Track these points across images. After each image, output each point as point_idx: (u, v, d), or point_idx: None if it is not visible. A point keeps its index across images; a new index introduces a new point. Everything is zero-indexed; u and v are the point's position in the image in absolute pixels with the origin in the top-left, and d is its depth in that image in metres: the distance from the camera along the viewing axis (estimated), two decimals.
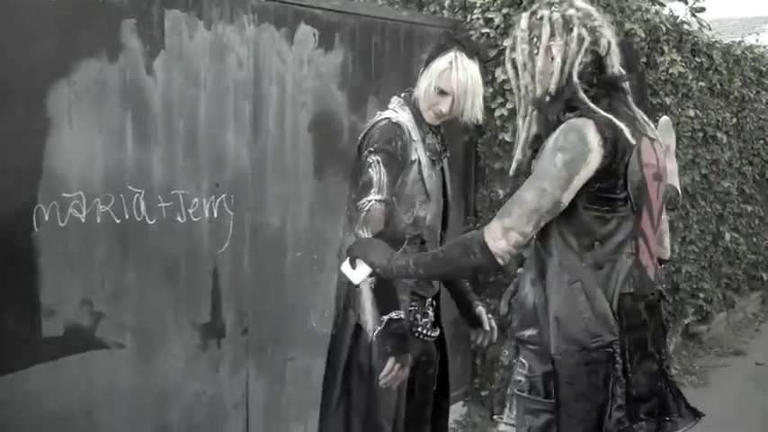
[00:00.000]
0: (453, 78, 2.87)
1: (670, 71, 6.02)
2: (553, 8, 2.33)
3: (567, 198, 2.19)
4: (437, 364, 3.12)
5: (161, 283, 3.45)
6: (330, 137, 4.17)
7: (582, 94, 2.24)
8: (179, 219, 3.49)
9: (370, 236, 2.75)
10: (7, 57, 2.91)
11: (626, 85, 2.36)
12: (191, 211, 3.54)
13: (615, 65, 2.32)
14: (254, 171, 3.81)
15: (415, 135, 2.94)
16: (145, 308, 3.38)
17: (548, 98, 2.28)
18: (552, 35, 2.29)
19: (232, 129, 3.70)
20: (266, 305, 3.89)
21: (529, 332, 2.28)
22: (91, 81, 3.13)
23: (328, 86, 4.19)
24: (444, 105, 2.90)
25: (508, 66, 2.41)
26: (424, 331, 2.99)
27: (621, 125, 2.20)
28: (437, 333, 3.04)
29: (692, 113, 6.58)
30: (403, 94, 3.03)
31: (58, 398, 3.09)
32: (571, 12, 2.31)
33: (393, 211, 2.86)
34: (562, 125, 2.20)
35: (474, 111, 2.92)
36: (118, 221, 3.25)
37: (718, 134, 7.23)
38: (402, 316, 2.80)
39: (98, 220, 3.19)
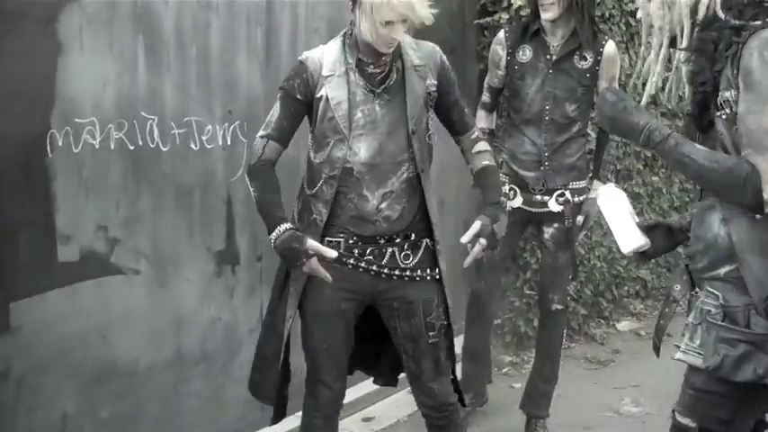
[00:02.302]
0: (394, 5, 2.66)
1: None
2: None
3: None
4: (427, 309, 2.96)
5: (175, 210, 3.46)
6: None
7: (736, 20, 2.17)
8: (192, 146, 3.49)
9: (250, 164, 2.87)
10: None
11: None
12: (204, 138, 3.54)
13: None
14: (267, 98, 3.79)
15: (330, 70, 2.82)
16: (159, 234, 3.40)
17: (699, 32, 2.22)
18: None
19: (244, 55, 3.68)
20: None
21: (725, 269, 2.22)
22: (102, 4, 3.10)
23: (341, 12, 4.13)
24: (396, 32, 2.73)
25: None
26: (363, 264, 2.88)
27: None
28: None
29: None
30: (348, 25, 2.88)
31: (74, 322, 3.13)
32: None
33: (275, 149, 2.86)
34: (754, 43, 2.10)
35: (423, 17, 2.71)
36: (132, 148, 3.25)
37: None
38: (279, 233, 2.73)
39: (112, 146, 3.18)
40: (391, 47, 2.79)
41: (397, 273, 2.92)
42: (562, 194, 3.96)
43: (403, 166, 2.87)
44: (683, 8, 2.24)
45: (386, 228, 2.88)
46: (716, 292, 2.23)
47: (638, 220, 2.53)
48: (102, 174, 3.17)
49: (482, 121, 4.11)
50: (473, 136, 3.06)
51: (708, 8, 2.22)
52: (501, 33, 4.05)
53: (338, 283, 2.85)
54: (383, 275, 2.91)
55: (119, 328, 3.28)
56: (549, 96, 3.90)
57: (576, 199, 4.00)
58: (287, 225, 2.75)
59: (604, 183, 4.13)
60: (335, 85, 2.82)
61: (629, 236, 2.50)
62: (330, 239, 2.88)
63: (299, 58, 2.89)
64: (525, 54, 3.94)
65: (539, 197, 3.99)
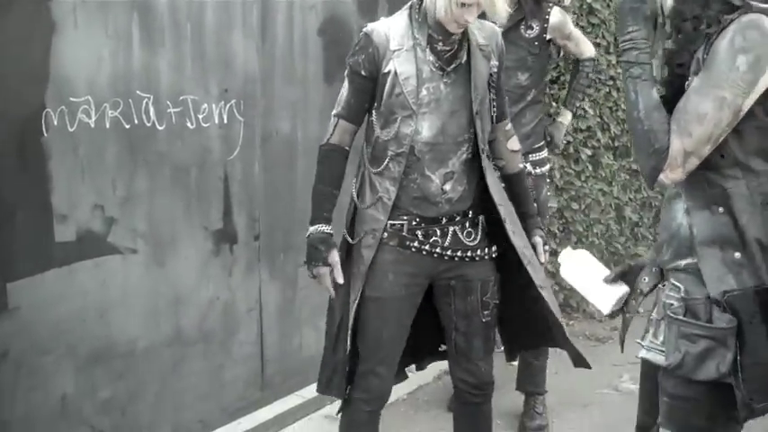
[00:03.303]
0: None
1: None
2: None
3: (747, 105, 2.01)
4: (484, 288, 2.95)
5: (172, 188, 3.45)
6: (340, 41, 4.11)
7: None
8: (188, 124, 3.47)
9: (323, 142, 2.88)
10: None
11: None
12: (200, 116, 3.52)
13: None
14: (264, 76, 3.77)
15: (398, 44, 2.78)
16: (156, 213, 3.39)
17: (676, 2, 2.11)
18: None
19: (240, 33, 3.65)
20: (277, 211, 3.89)
21: (686, 261, 2.13)
22: None
23: None
24: (470, 15, 2.70)
25: None
26: (426, 248, 2.87)
27: None
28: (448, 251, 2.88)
29: None
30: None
31: (72, 302, 3.12)
32: None
33: (347, 128, 2.86)
34: (732, 26, 2.00)
35: (499, 11, 2.73)
36: (127, 126, 3.23)
37: None
38: (315, 231, 2.83)
39: (107, 126, 3.16)
40: (462, 28, 2.76)
41: (459, 254, 2.90)
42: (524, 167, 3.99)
43: (463, 147, 2.86)
44: None
45: (448, 209, 2.88)
46: (678, 284, 2.15)
47: (607, 272, 2.42)
48: (97, 153, 3.15)
49: None
50: (507, 127, 3.06)
51: None
52: None
53: (401, 267, 2.86)
54: (446, 257, 2.90)
55: (117, 308, 3.27)
56: None
57: (538, 170, 4.04)
58: (327, 228, 2.84)
59: (574, 113, 4.25)
60: (404, 60, 2.77)
61: (604, 296, 2.39)
62: (393, 222, 2.86)
63: (365, 29, 2.82)
64: None
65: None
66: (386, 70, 2.77)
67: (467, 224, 2.93)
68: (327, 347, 2.98)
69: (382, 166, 2.84)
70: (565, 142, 5.25)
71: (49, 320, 3.05)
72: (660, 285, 2.27)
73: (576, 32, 4.16)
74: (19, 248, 2.95)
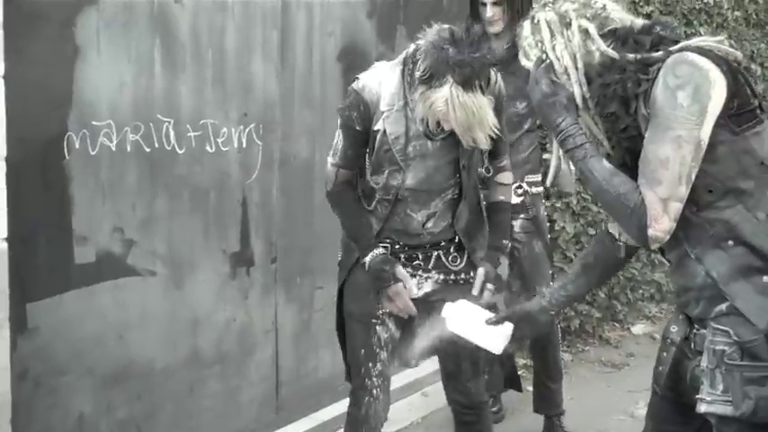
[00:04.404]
0: (452, 118, 2.63)
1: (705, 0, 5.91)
2: (547, 8, 2.19)
3: (705, 135, 1.97)
4: None
5: (191, 211, 3.48)
6: (358, 66, 4.12)
7: (634, 54, 2.06)
8: (208, 148, 3.51)
9: (328, 189, 2.93)
10: None
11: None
12: (220, 140, 3.56)
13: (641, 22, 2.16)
14: (283, 101, 3.81)
15: (388, 104, 2.78)
16: (175, 236, 3.42)
17: (598, 78, 2.11)
18: (552, 36, 2.15)
19: (260, 58, 3.69)
20: (295, 234, 3.92)
21: (722, 306, 2.06)
22: (118, 8, 3.13)
23: (356, 15, 4.16)
24: (448, 126, 2.72)
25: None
26: (409, 270, 2.94)
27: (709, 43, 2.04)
28: (413, 291, 2.92)
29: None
30: (410, 53, 2.77)
31: (91, 323, 3.15)
32: (566, 6, 2.15)
33: (347, 175, 2.90)
34: (661, 71, 2.01)
35: (479, 141, 2.69)
36: (148, 150, 3.27)
37: (753, 66, 7.10)
38: (373, 257, 2.86)
39: (128, 149, 3.21)
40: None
41: (442, 277, 2.96)
42: (519, 187, 4.07)
43: (448, 191, 2.93)
44: (567, 61, 2.13)
45: (430, 239, 2.95)
46: (724, 328, 2.05)
47: (489, 315, 2.43)
48: (118, 176, 3.19)
49: None
50: (501, 164, 3.08)
51: (598, 53, 2.10)
52: None
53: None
54: (428, 279, 2.96)
55: (135, 329, 3.30)
56: None
57: (534, 189, 4.14)
58: (381, 250, 2.88)
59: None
60: (393, 120, 2.81)
61: (491, 337, 2.41)
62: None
63: (355, 87, 2.83)
64: None
65: None
66: (376, 128, 2.82)
67: (451, 249, 2.98)
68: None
69: (371, 206, 2.93)
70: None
71: (67, 341, 3.08)
72: (694, 332, 2.17)
73: None
74: (39, 269, 2.99)
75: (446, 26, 2.69)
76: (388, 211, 2.90)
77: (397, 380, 3.99)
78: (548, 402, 4.26)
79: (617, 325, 5.90)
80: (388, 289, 2.88)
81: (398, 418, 4.36)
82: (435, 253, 2.97)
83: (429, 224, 2.93)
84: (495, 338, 2.41)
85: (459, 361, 3.04)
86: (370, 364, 2.98)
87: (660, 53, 2.04)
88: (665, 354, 2.27)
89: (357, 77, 2.86)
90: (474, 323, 2.45)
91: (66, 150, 3.01)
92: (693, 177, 2.00)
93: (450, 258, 2.99)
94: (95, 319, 3.16)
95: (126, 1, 3.15)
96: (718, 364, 2.06)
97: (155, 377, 3.40)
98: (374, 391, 2.99)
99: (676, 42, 2.09)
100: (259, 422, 3.86)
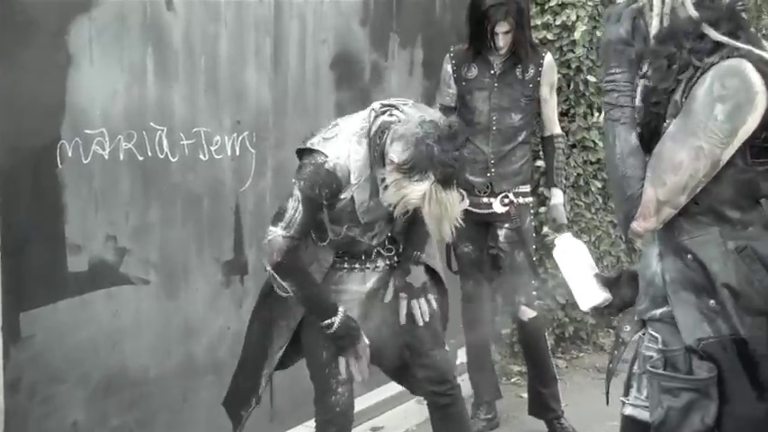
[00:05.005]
0: (426, 211, 2.73)
1: None
2: None
3: (726, 156, 1.92)
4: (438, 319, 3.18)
5: (184, 220, 3.48)
6: (351, 74, 4.16)
7: (711, 30, 1.96)
8: (201, 156, 3.51)
9: (268, 267, 2.88)
10: None
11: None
12: (213, 148, 3.56)
13: None
14: (276, 108, 3.82)
15: (357, 177, 2.84)
16: (168, 244, 3.42)
17: (656, 42, 2.02)
18: None
19: (253, 66, 3.70)
20: None
21: (662, 310, 2.06)
22: (111, 16, 3.13)
23: (349, 23, 4.17)
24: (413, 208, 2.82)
25: None
26: (356, 266, 3.08)
27: None
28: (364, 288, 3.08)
29: None
30: (381, 113, 2.85)
31: (84, 332, 3.14)
32: None
33: (299, 248, 2.91)
34: (711, 71, 1.92)
35: (444, 233, 2.81)
36: (141, 158, 3.27)
37: None
38: (336, 321, 2.92)
39: (121, 157, 3.20)
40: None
41: (384, 263, 3.12)
42: (506, 197, 4.18)
43: (387, 219, 3.01)
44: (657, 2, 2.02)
45: (375, 244, 3.09)
46: (656, 335, 2.06)
47: (597, 270, 2.37)
48: (111, 184, 3.19)
49: None
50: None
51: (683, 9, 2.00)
52: (447, 56, 4.29)
53: (335, 286, 3.04)
54: (374, 270, 3.11)
55: (128, 338, 3.29)
56: (496, 108, 4.17)
57: (521, 200, 4.24)
58: (343, 310, 2.95)
59: (563, 190, 4.37)
60: (361, 189, 2.88)
61: (587, 292, 2.33)
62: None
63: (326, 166, 2.81)
64: (471, 71, 4.20)
65: (484, 199, 4.21)
66: (343, 197, 2.87)
67: (386, 242, 3.11)
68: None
69: (324, 243, 3.00)
70: (574, 175, 5.29)
71: (61, 350, 3.07)
72: (640, 335, 2.16)
73: (555, 96, 4.37)
74: (32, 278, 2.98)
75: (428, 118, 2.75)
76: (343, 242, 2.99)
77: (393, 387, 3.98)
78: (543, 408, 4.30)
79: (611, 331, 5.89)
80: (357, 346, 2.98)
81: (394, 426, 4.37)
82: (375, 250, 3.08)
83: (374, 242, 3.05)
84: (589, 296, 2.32)
85: (416, 332, 3.11)
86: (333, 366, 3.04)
87: (725, 50, 1.95)
88: (616, 352, 2.27)
89: (321, 153, 2.84)
90: (580, 270, 2.36)
91: (58, 159, 3.01)
92: (698, 191, 1.97)
93: (385, 250, 3.11)
94: (89, 328, 3.15)
95: (119, 9, 3.15)
96: (645, 370, 2.08)
97: (149, 386, 3.39)
98: (339, 390, 3.04)
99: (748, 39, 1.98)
100: (253, 430, 3.84)
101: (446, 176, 2.68)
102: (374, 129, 2.83)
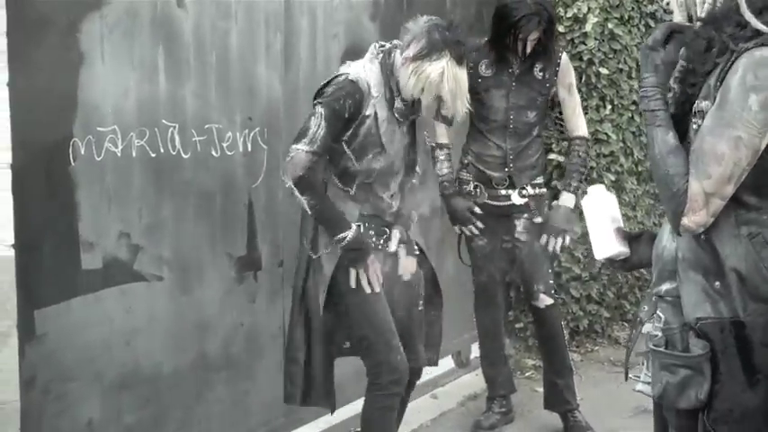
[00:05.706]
0: (444, 88, 3.09)
1: None
2: None
3: (764, 144, 1.97)
4: (421, 282, 3.46)
5: (197, 216, 3.48)
6: None
7: (753, 18, 1.99)
8: (213, 153, 3.51)
9: (289, 182, 3.13)
10: None
11: None
12: (225, 144, 3.56)
13: None
14: (287, 104, 3.81)
15: (377, 91, 3.15)
16: (182, 241, 3.42)
17: (700, 23, 2.07)
18: None
19: (264, 62, 3.70)
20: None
21: (666, 286, 2.15)
22: (122, 14, 3.13)
23: (360, 18, 4.16)
24: (430, 103, 3.17)
25: None
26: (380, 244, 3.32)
27: None
28: (393, 247, 3.34)
29: None
30: (382, 47, 3.25)
31: (98, 329, 3.15)
32: None
33: (320, 162, 3.15)
34: (743, 60, 1.96)
35: (457, 109, 3.17)
36: (153, 155, 3.27)
37: None
38: (349, 234, 3.16)
39: (133, 154, 3.21)
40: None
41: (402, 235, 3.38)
42: (524, 188, 4.25)
43: (400, 172, 3.34)
44: None
45: (392, 221, 3.37)
46: (660, 315, 2.15)
47: (621, 225, 2.41)
48: (124, 181, 3.19)
49: (443, 137, 4.33)
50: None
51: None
52: None
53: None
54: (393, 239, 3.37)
55: (142, 335, 3.30)
56: (513, 106, 4.21)
57: (538, 191, 4.31)
58: (355, 226, 3.20)
59: (574, 194, 4.37)
60: (381, 105, 3.17)
61: (604, 242, 2.38)
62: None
63: (349, 77, 3.13)
64: (488, 69, 4.23)
65: (503, 191, 4.27)
66: (367, 113, 3.11)
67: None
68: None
69: (352, 191, 3.24)
70: (588, 167, 5.26)
71: (75, 347, 3.08)
72: (656, 314, 2.23)
73: (577, 97, 4.39)
74: (46, 276, 2.98)
75: (434, 17, 3.25)
76: (366, 194, 3.24)
77: None
78: (558, 399, 4.31)
79: (626, 324, 5.88)
80: (368, 259, 3.21)
81: (408, 420, 4.36)
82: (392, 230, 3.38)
83: (393, 203, 3.31)
84: (606, 247, 2.38)
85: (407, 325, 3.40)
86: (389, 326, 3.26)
87: (761, 37, 1.97)
88: (634, 331, 2.36)
89: (342, 73, 3.18)
90: (604, 220, 2.40)
91: (71, 156, 3.01)
92: (743, 179, 2.00)
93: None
94: (103, 325, 3.16)
95: (129, 6, 3.15)
96: (649, 348, 2.21)
97: (162, 382, 3.40)
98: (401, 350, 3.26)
99: None
100: (268, 426, 3.86)
101: (459, 54, 3.12)
102: (380, 54, 3.22)
